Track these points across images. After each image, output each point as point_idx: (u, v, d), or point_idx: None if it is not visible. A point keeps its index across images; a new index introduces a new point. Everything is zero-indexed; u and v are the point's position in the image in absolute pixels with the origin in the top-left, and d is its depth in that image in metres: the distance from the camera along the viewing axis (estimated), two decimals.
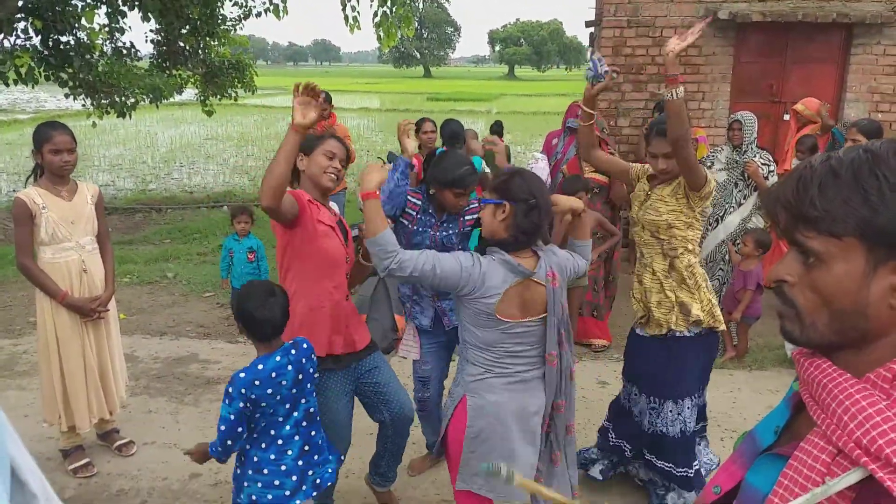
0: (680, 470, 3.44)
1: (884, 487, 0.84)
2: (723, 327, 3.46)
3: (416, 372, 3.71)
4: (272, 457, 2.70)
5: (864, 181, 0.90)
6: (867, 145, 0.94)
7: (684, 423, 3.43)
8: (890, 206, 0.88)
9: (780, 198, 0.99)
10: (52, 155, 3.61)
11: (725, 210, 5.54)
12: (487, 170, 6.50)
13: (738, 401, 4.80)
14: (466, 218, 3.49)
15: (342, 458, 3.14)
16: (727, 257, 5.55)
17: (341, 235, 3.06)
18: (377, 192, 2.58)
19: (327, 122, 7.36)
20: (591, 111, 3.37)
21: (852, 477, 0.88)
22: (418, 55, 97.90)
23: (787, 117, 7.04)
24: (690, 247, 3.38)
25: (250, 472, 2.72)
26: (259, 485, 2.70)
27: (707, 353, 3.47)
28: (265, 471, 2.70)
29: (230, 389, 2.58)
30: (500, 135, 7.67)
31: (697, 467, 3.52)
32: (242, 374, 2.60)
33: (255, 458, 2.71)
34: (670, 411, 3.42)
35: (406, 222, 3.49)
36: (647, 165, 3.47)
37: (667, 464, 3.47)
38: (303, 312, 2.97)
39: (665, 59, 3.14)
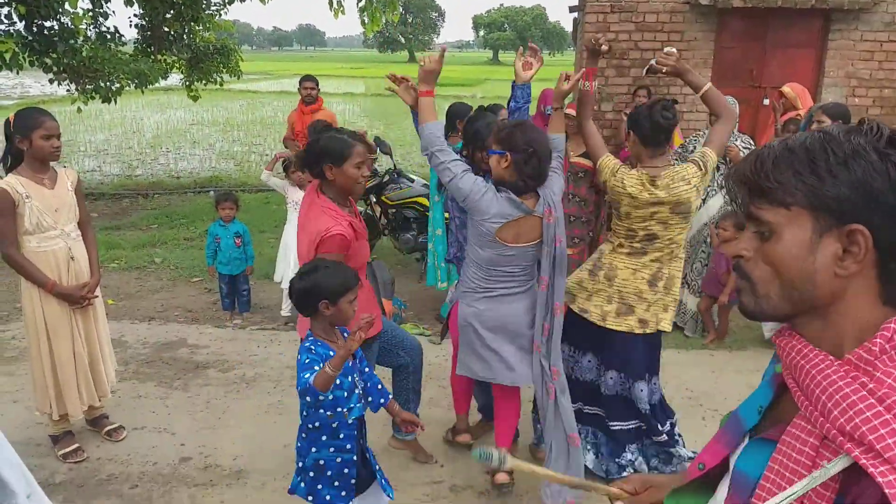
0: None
1: (867, 473, 0.86)
2: (625, 329, 3.47)
3: None
4: None
5: (814, 156, 0.98)
6: (823, 128, 1.02)
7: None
8: (837, 177, 0.95)
9: (740, 174, 1.06)
10: (44, 140, 3.57)
11: (708, 193, 5.60)
12: None
13: (720, 381, 4.91)
14: None
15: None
16: (709, 239, 5.62)
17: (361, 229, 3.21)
18: (433, 91, 3.21)
19: (314, 105, 7.40)
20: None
21: (841, 463, 0.91)
22: (403, 40, 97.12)
23: (766, 102, 7.11)
24: (608, 231, 3.57)
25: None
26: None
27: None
28: None
29: None
30: None
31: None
32: None
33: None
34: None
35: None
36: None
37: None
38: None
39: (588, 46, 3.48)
